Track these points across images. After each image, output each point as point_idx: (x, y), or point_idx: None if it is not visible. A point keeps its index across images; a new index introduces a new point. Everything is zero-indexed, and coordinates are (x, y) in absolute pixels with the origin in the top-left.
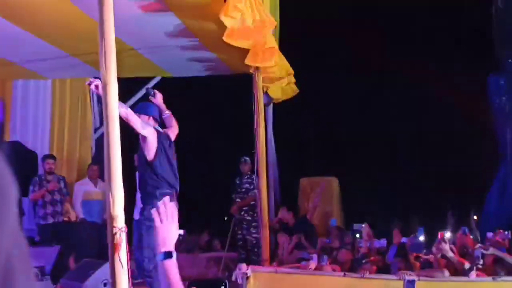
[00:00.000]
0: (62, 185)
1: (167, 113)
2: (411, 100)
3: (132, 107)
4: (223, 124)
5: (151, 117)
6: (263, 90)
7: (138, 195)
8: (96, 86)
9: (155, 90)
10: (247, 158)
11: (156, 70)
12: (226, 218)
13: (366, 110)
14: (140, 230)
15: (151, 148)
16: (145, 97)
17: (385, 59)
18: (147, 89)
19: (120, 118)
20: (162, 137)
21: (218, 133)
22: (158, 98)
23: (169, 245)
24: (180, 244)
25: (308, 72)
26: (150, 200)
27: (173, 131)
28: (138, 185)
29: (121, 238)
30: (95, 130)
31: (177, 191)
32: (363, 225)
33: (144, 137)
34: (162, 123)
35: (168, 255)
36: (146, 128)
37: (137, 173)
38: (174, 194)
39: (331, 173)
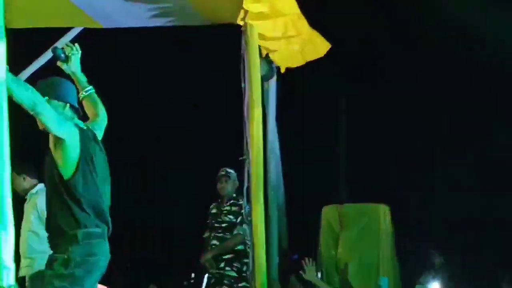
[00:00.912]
0: None
1: (88, 89)
2: None
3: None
4: (190, 113)
5: (67, 104)
6: (261, 54)
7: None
8: None
9: (67, 50)
10: (230, 171)
11: (74, 17)
12: (193, 275)
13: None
14: None
15: (70, 157)
16: (51, 65)
17: None
18: (54, 49)
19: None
20: (86, 138)
21: (180, 129)
22: (73, 65)
23: None
24: None
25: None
26: (63, 244)
27: (99, 123)
28: (46, 220)
29: None
30: None
31: (109, 227)
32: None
33: (59, 140)
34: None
35: None
36: (63, 126)
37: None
38: (105, 233)
39: (376, 197)
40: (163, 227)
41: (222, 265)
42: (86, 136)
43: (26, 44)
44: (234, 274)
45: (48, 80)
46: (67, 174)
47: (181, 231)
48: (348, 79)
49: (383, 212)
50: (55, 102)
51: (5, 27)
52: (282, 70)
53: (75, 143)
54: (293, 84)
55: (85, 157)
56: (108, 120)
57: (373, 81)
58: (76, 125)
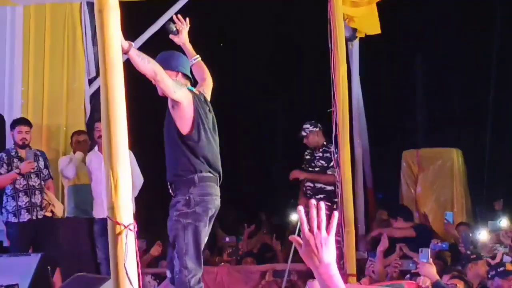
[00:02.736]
0: (41, 164)
1: (196, 58)
2: None
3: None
4: (283, 71)
5: (179, 73)
6: (344, 18)
7: None
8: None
9: (179, 25)
10: (307, 127)
11: None
12: (290, 216)
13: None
14: (174, 230)
15: (185, 117)
16: (161, 35)
17: None
18: (167, 24)
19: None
20: (199, 101)
21: (274, 87)
22: (183, 38)
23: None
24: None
25: None
26: (184, 187)
27: (207, 87)
28: (167, 167)
29: (129, 241)
30: (90, 82)
31: (220, 175)
32: (502, 222)
33: (176, 103)
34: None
35: None
36: (179, 91)
37: (166, 150)
38: (217, 180)
39: (450, 142)
40: (265, 170)
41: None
42: (198, 99)
43: (136, 16)
44: (326, 212)
45: (163, 54)
46: (184, 130)
47: (280, 179)
48: (424, 37)
49: (456, 155)
50: (169, 71)
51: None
52: (361, 35)
53: (189, 104)
54: (374, 42)
55: (198, 116)
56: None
57: (446, 38)
58: (190, 90)
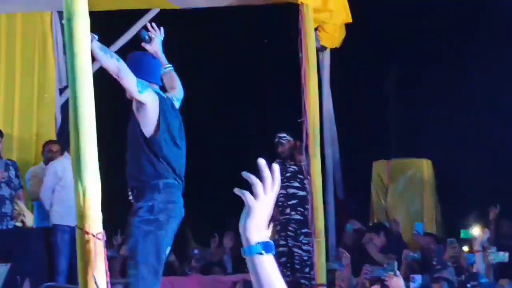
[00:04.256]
0: (12, 173)
1: (167, 67)
2: None
3: None
4: (253, 81)
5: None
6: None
7: None
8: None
9: (152, 33)
10: (285, 136)
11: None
12: None
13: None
14: (134, 236)
15: (150, 119)
16: (134, 44)
17: None
18: (140, 32)
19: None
20: (165, 104)
21: (244, 97)
22: (155, 45)
23: (266, 232)
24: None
25: None
26: (147, 194)
27: (177, 96)
28: (128, 172)
29: (97, 249)
30: (61, 91)
31: (183, 182)
32: (474, 230)
33: (141, 104)
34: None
35: (269, 248)
36: (144, 91)
37: (128, 154)
38: (180, 187)
39: (421, 153)
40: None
41: (288, 210)
42: (165, 103)
43: (108, 26)
44: (299, 217)
45: (132, 55)
46: (148, 133)
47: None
48: (398, 47)
49: (427, 165)
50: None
51: (90, 9)
52: (329, 47)
53: (155, 106)
54: (345, 53)
55: (164, 120)
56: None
57: (422, 47)
58: (156, 92)
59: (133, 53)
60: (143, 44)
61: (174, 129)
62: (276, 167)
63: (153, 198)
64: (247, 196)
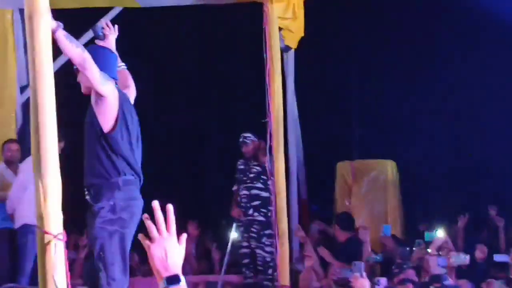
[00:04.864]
0: None
1: (121, 65)
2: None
3: None
4: (216, 80)
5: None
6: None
7: None
8: None
9: (106, 30)
10: (249, 136)
11: None
12: (223, 222)
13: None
14: (99, 238)
15: (110, 113)
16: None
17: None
18: (94, 28)
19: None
20: (124, 99)
21: (207, 96)
22: (109, 43)
23: (174, 267)
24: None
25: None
26: (107, 192)
27: (130, 94)
28: (86, 169)
29: (57, 250)
30: (21, 89)
31: (141, 180)
32: (436, 233)
33: (101, 97)
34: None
35: (173, 280)
36: (106, 83)
37: (86, 151)
38: (138, 183)
39: (384, 154)
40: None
41: (250, 211)
42: (123, 97)
43: (70, 24)
44: (262, 218)
45: (90, 47)
46: (106, 128)
47: (213, 189)
48: (360, 48)
49: (390, 166)
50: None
51: (53, 7)
52: (293, 47)
53: (114, 100)
54: (309, 53)
55: (122, 115)
56: (142, 87)
57: (383, 48)
58: (116, 86)
59: (91, 45)
60: (96, 40)
61: (132, 126)
62: (170, 207)
63: (113, 197)
64: (144, 242)
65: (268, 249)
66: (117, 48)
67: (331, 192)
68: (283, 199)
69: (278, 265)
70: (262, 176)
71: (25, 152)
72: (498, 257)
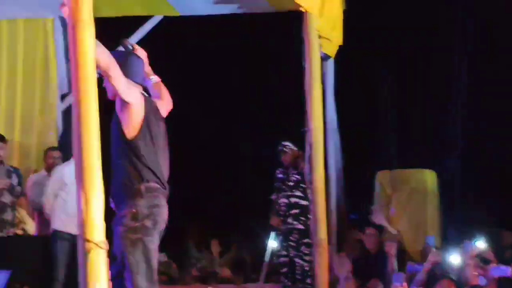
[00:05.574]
0: (14, 181)
1: (153, 78)
2: None
3: None
4: (256, 89)
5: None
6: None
7: None
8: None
9: (134, 44)
10: (288, 145)
11: (154, 6)
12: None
13: None
14: (122, 247)
15: (134, 120)
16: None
17: None
18: (121, 41)
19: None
20: (150, 107)
21: (246, 104)
22: (142, 54)
23: None
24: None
25: None
26: (129, 199)
27: (164, 105)
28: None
29: (99, 258)
30: (62, 97)
31: (166, 189)
32: (475, 243)
33: (126, 104)
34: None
35: None
36: (131, 90)
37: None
38: (164, 192)
39: (425, 164)
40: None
41: (289, 220)
42: (150, 105)
43: (110, 32)
44: (301, 226)
45: (121, 52)
46: (130, 135)
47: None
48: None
49: (430, 176)
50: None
51: (93, 15)
52: (332, 55)
53: (140, 107)
54: (348, 64)
55: (147, 122)
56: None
57: (421, 57)
58: (142, 93)
59: (116, 50)
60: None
61: (158, 133)
62: None
63: (135, 204)
64: None
65: (306, 258)
66: (156, 55)
67: (370, 201)
68: (321, 208)
69: (316, 274)
70: (301, 185)
71: (66, 159)
72: None
